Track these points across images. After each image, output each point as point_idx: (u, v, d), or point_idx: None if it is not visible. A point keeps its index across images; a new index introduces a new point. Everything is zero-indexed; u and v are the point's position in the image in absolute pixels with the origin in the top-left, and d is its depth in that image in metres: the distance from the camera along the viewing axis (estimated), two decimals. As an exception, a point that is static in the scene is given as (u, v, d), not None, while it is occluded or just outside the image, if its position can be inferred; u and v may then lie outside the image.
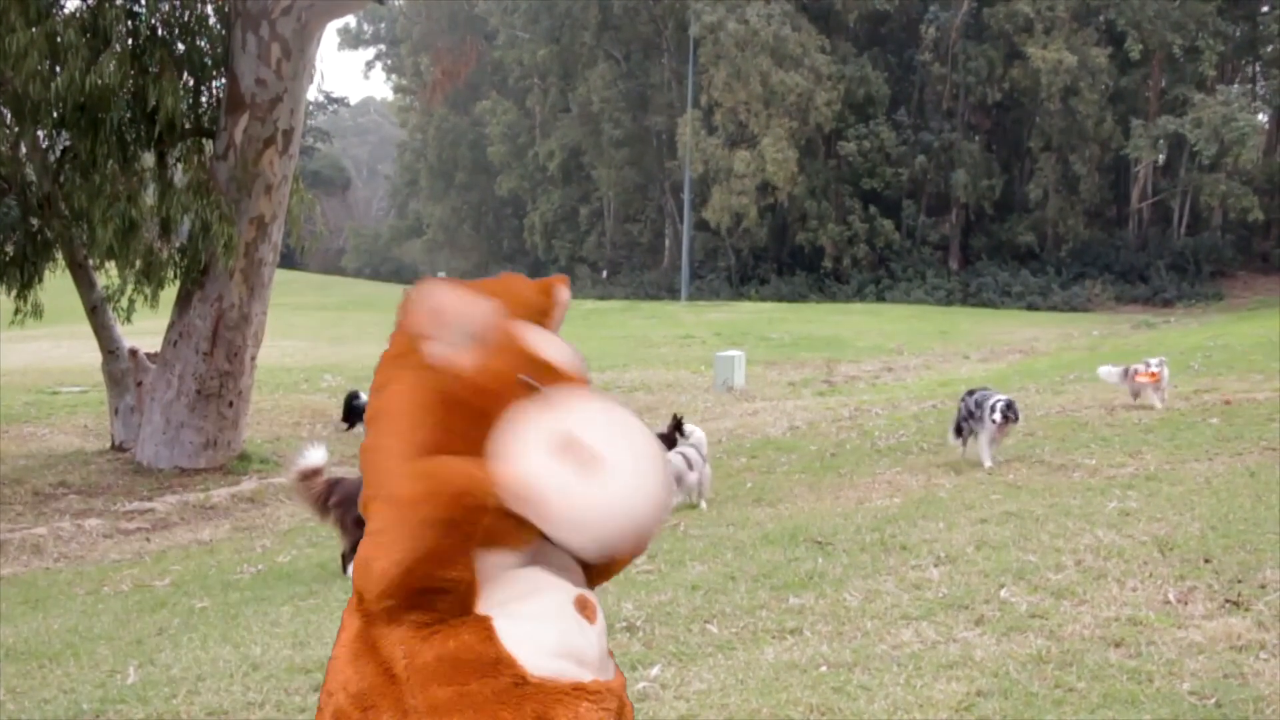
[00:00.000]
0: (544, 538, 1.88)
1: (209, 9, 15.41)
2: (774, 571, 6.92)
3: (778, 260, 56.58)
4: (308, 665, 5.74)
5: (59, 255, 15.37)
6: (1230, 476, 9.14)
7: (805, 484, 11.27)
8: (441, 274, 56.55)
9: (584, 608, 1.93)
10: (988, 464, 10.91)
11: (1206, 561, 6.33)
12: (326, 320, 39.09)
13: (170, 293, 15.35)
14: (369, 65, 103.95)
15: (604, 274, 61.85)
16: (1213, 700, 4.39)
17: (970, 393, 11.77)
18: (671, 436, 10.86)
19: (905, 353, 28.13)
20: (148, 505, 12.71)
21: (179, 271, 14.89)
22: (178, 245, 15.15)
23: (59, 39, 13.57)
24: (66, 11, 14.55)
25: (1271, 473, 9.11)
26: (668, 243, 60.85)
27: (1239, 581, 5.89)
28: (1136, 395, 14.07)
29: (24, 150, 15.07)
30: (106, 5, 14.02)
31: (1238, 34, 52.69)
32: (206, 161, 14.97)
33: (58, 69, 13.53)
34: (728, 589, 6.68)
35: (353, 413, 16.98)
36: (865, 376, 23.59)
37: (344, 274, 72.71)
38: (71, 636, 7.29)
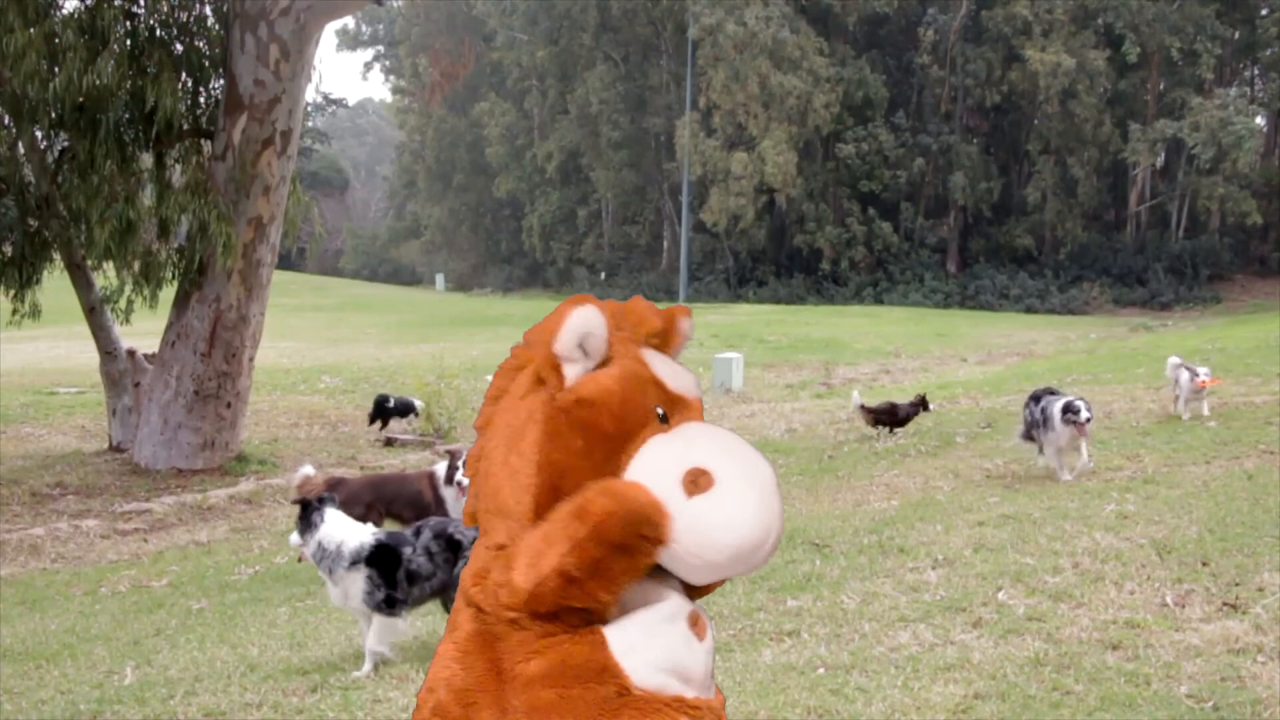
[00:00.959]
0: None
1: (207, 10, 15.41)
2: (772, 574, 6.92)
3: (776, 262, 56.58)
4: (305, 666, 5.74)
5: (57, 256, 15.36)
6: (1228, 480, 9.15)
7: (803, 486, 11.28)
8: (439, 275, 55.96)
9: (695, 624, 1.94)
10: (1064, 476, 9.85)
11: (1204, 564, 6.34)
12: (324, 321, 39.07)
13: (168, 293, 15.34)
14: (367, 66, 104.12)
15: (602, 276, 61.83)
16: (1210, 703, 4.39)
17: (1035, 398, 10.53)
18: None
19: (903, 355, 28.14)
20: (145, 506, 12.70)
21: (177, 272, 14.88)
22: (176, 246, 15.15)
23: (57, 39, 13.57)
24: (65, 12, 14.55)
25: (1269, 476, 9.12)
26: (666, 245, 60.85)
27: (1237, 585, 5.90)
28: (1186, 401, 12.95)
29: (22, 150, 15.07)
30: (105, 6, 14.01)
31: (1236, 37, 52.77)
32: (204, 162, 14.96)
33: (56, 69, 13.51)
34: (725, 591, 6.67)
35: (382, 414, 17.09)
36: (863, 379, 23.58)
37: (342, 275, 72.65)
38: (69, 637, 7.29)
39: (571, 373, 1.93)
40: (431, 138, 72.14)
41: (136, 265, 14.83)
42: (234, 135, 14.53)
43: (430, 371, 17.74)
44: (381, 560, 5.67)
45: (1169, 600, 5.73)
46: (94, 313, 15.54)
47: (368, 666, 5.61)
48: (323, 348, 30.61)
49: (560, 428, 1.90)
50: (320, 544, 5.67)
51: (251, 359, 15.26)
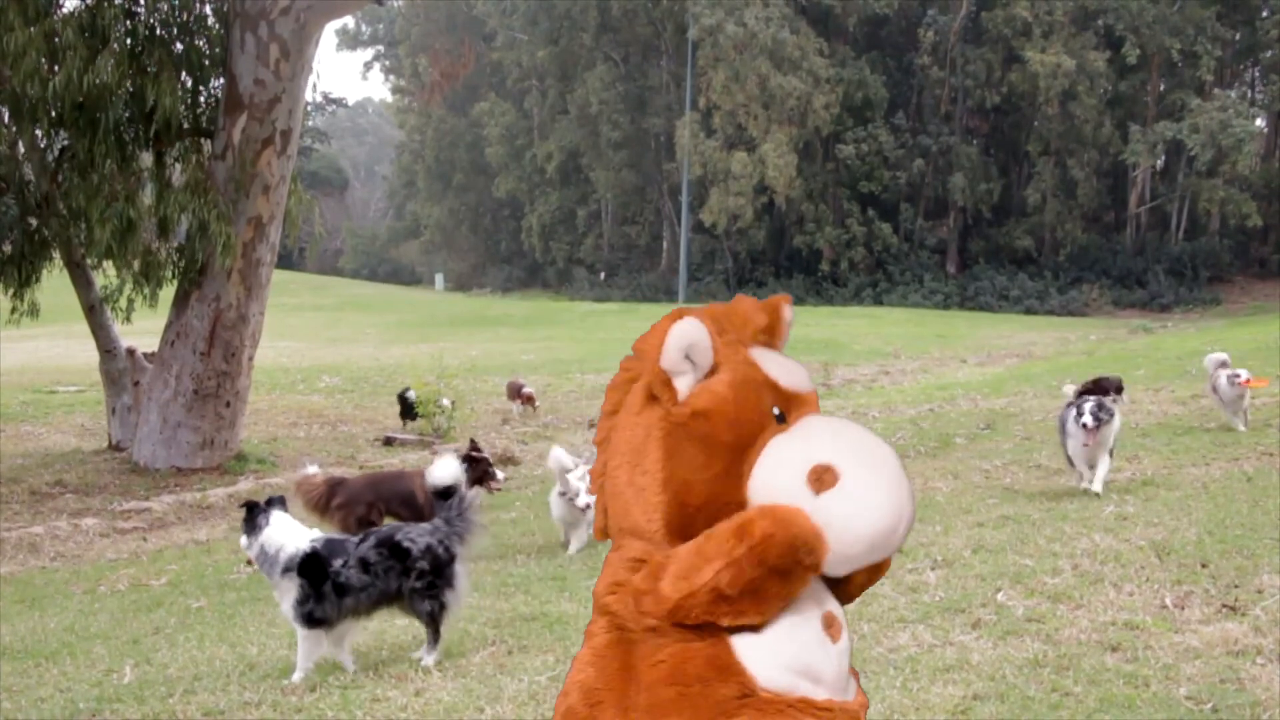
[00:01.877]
0: None
1: (207, 9, 15.40)
2: (771, 574, 6.91)
3: (775, 263, 56.60)
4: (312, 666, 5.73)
5: (57, 254, 15.36)
6: (1227, 481, 9.15)
7: (802, 487, 11.25)
8: (439, 275, 55.98)
9: (829, 625, 1.94)
10: (1081, 484, 9.06)
11: (1203, 566, 6.34)
12: (323, 321, 39.08)
13: (168, 292, 15.34)
14: (367, 66, 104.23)
15: (601, 276, 61.85)
16: (1209, 705, 4.39)
17: (1069, 405, 9.50)
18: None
19: (902, 356, 28.14)
20: (144, 505, 12.70)
21: (177, 271, 14.88)
22: (175, 245, 15.15)
23: (57, 38, 13.56)
24: (65, 11, 14.53)
25: (1269, 478, 9.12)
26: (665, 245, 60.86)
27: (1236, 586, 5.90)
28: (1231, 407, 11.82)
29: (22, 149, 15.07)
30: (105, 5, 14.01)
31: (1236, 39, 52.80)
32: (204, 161, 14.96)
33: (56, 68, 13.51)
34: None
35: (407, 408, 17.26)
36: (862, 380, 23.58)
37: (341, 275, 72.69)
38: (68, 635, 7.29)
39: (683, 385, 1.92)
40: (431, 137, 72.16)
41: (136, 264, 14.83)
42: (234, 134, 14.53)
43: (430, 371, 17.73)
44: (312, 570, 5.56)
45: (1168, 602, 5.73)
46: (94, 311, 15.54)
47: (297, 675, 5.56)
48: (322, 347, 30.63)
49: (679, 443, 1.90)
50: (263, 547, 5.64)
51: (251, 358, 15.26)
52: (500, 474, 9.63)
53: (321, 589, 5.55)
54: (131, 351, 15.60)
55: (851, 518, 1.83)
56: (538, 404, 18.99)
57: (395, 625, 6.42)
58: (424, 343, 29.58)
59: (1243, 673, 4.71)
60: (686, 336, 1.93)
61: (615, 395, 2.06)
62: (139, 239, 14.38)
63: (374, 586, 5.61)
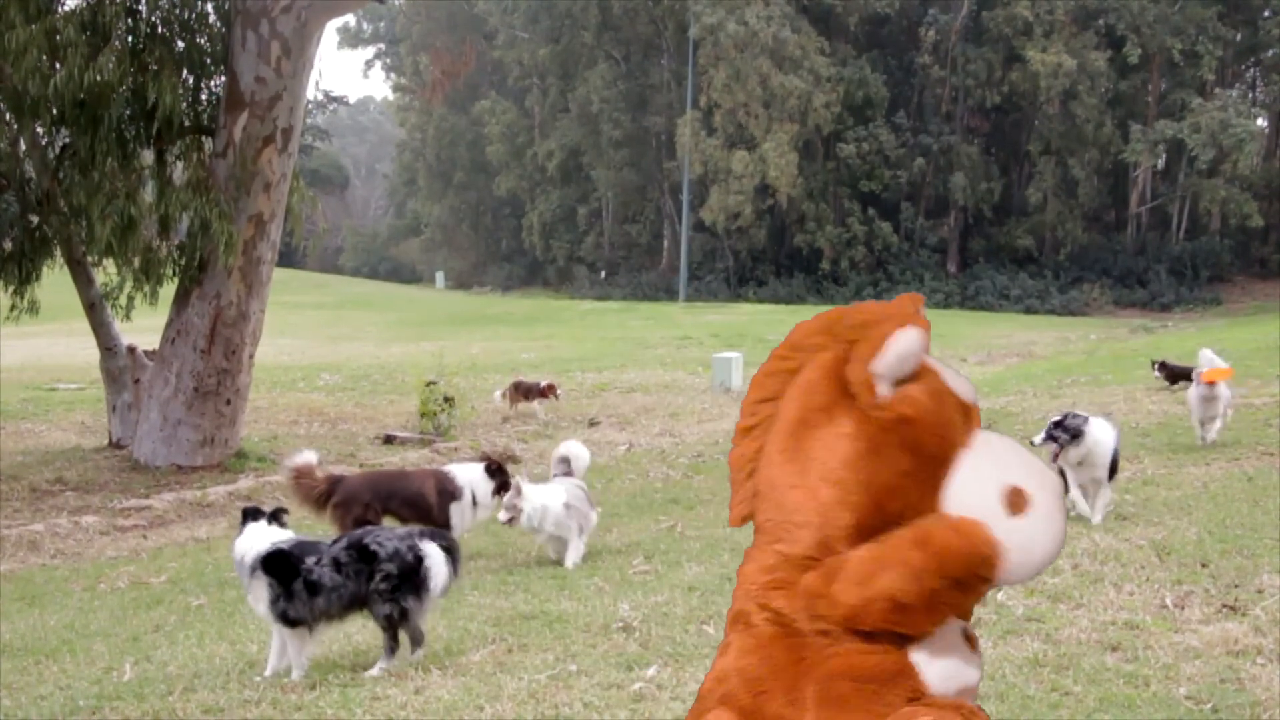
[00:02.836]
0: None
1: (209, 7, 15.40)
2: (771, 573, 6.91)
3: (776, 262, 56.58)
4: (307, 665, 5.74)
5: (57, 252, 15.36)
6: (1227, 481, 9.15)
7: (802, 486, 11.25)
8: (439, 273, 55.90)
9: (969, 639, 1.95)
10: (1090, 517, 7.95)
11: (1204, 566, 6.34)
12: (324, 319, 39.08)
13: (169, 290, 15.34)
14: (368, 64, 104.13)
15: (602, 274, 61.84)
16: (1209, 705, 4.39)
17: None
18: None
19: (903, 355, 28.06)
20: (145, 502, 12.71)
21: (177, 269, 14.87)
22: (176, 243, 15.14)
23: (58, 35, 13.55)
24: (66, 8, 14.53)
25: (1269, 478, 9.12)
26: (666, 244, 60.84)
27: (1236, 586, 5.90)
28: (1194, 406, 10.96)
29: (23, 147, 15.08)
30: (106, 2, 14.01)
31: (1238, 39, 52.79)
32: (205, 159, 14.96)
33: (57, 65, 13.51)
34: (724, 590, 6.67)
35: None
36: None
37: (342, 273, 72.69)
38: (68, 633, 7.29)
39: (882, 389, 1.92)
40: (432, 136, 72.12)
41: (137, 262, 14.83)
42: (235, 132, 14.53)
43: (430, 370, 17.73)
44: (278, 569, 5.57)
45: (1168, 602, 5.73)
46: (94, 309, 15.54)
47: (297, 674, 5.58)
48: (322, 345, 30.63)
49: (884, 446, 1.89)
50: (238, 556, 5.70)
51: (251, 356, 15.26)
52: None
53: (292, 587, 5.54)
54: (132, 349, 15.60)
55: (1035, 542, 1.85)
56: (559, 393, 18.70)
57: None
58: (424, 341, 29.58)
59: (1243, 672, 4.71)
60: (910, 346, 1.93)
61: (771, 383, 2.04)
62: (139, 236, 14.38)
63: (345, 588, 5.59)
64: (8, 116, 14.39)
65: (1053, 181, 52.05)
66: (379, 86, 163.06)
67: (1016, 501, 1.84)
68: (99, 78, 13.30)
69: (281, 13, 14.43)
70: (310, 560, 5.59)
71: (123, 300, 15.53)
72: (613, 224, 63.89)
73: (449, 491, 8.32)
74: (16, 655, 6.76)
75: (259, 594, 5.60)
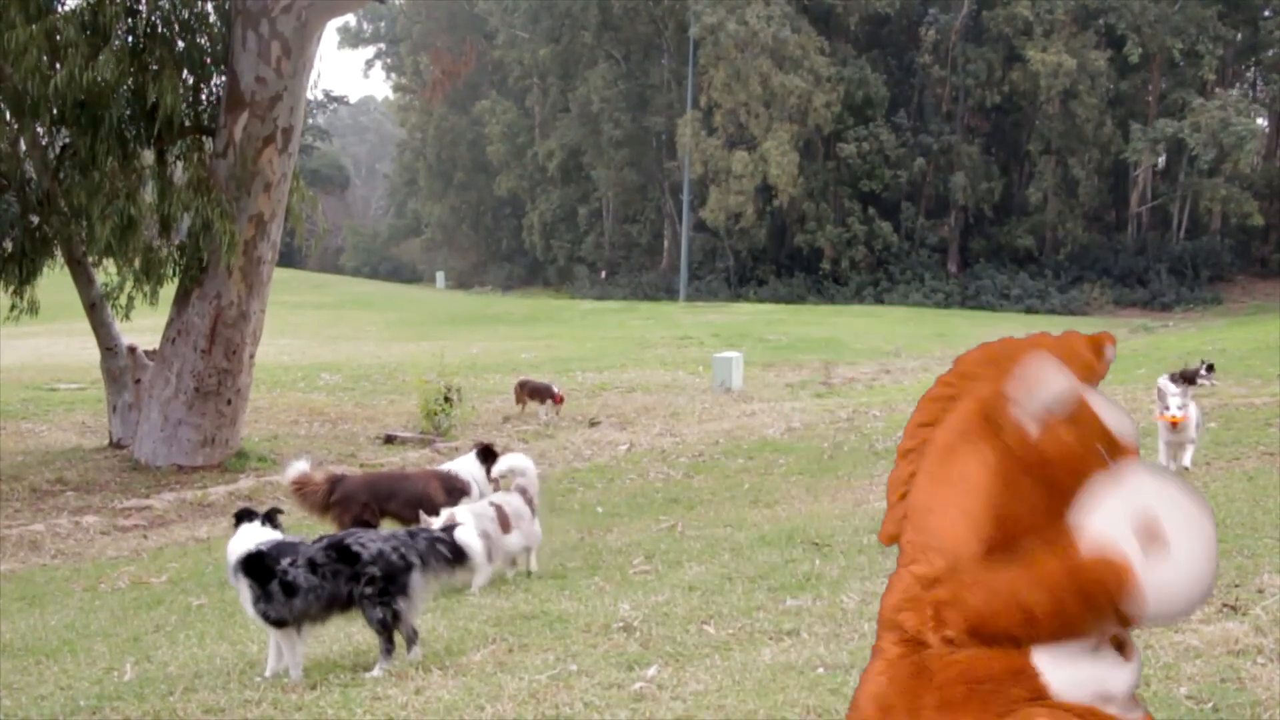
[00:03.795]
0: None
1: (209, 7, 15.41)
2: (771, 573, 6.92)
3: (776, 262, 56.57)
4: (304, 664, 5.74)
5: (58, 252, 15.37)
6: (1228, 481, 9.14)
7: (803, 486, 11.28)
8: (440, 273, 55.89)
9: (1123, 645, 1.95)
10: None
11: (1204, 566, 6.32)
12: (324, 319, 39.08)
13: (169, 290, 15.35)
14: (369, 64, 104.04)
15: (602, 274, 61.84)
16: (1210, 705, 4.39)
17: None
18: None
19: (903, 355, 28.14)
20: (145, 502, 12.71)
21: (178, 269, 14.89)
22: (177, 243, 15.16)
23: (59, 36, 13.57)
24: (66, 8, 14.55)
25: (1269, 477, 9.11)
26: (666, 243, 60.84)
27: (1236, 586, 5.89)
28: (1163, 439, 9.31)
29: (23, 147, 15.08)
30: (106, 2, 14.01)
31: (1238, 38, 52.79)
32: (206, 159, 14.98)
33: (57, 65, 13.52)
34: (725, 590, 6.67)
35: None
36: (863, 378, 23.59)
37: (342, 273, 72.67)
38: (68, 633, 7.29)
39: (1015, 414, 1.94)
40: (432, 135, 72.13)
41: (137, 262, 14.84)
42: (235, 132, 14.53)
43: (430, 369, 17.73)
44: (255, 571, 5.58)
45: (1168, 601, 5.72)
46: (95, 309, 15.55)
47: (295, 673, 5.58)
48: (323, 345, 30.63)
49: (1021, 481, 1.91)
50: (228, 553, 5.75)
51: (252, 356, 15.27)
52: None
53: (269, 588, 5.55)
54: (132, 349, 15.61)
55: (1171, 587, 1.85)
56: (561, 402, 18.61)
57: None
58: (425, 341, 29.58)
59: (1243, 672, 4.70)
60: (1054, 390, 1.96)
61: (932, 408, 2.08)
62: (140, 236, 14.40)
63: (323, 588, 5.58)
64: (8, 117, 14.39)
65: (1053, 181, 52.06)
66: (379, 86, 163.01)
67: (1153, 541, 1.84)
68: (99, 78, 13.32)
69: (282, 12, 14.43)
70: (285, 561, 5.59)
71: (123, 300, 15.55)
72: (613, 224, 63.89)
73: (458, 490, 8.33)
74: (17, 655, 6.77)
75: (244, 595, 5.62)
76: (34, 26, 13.09)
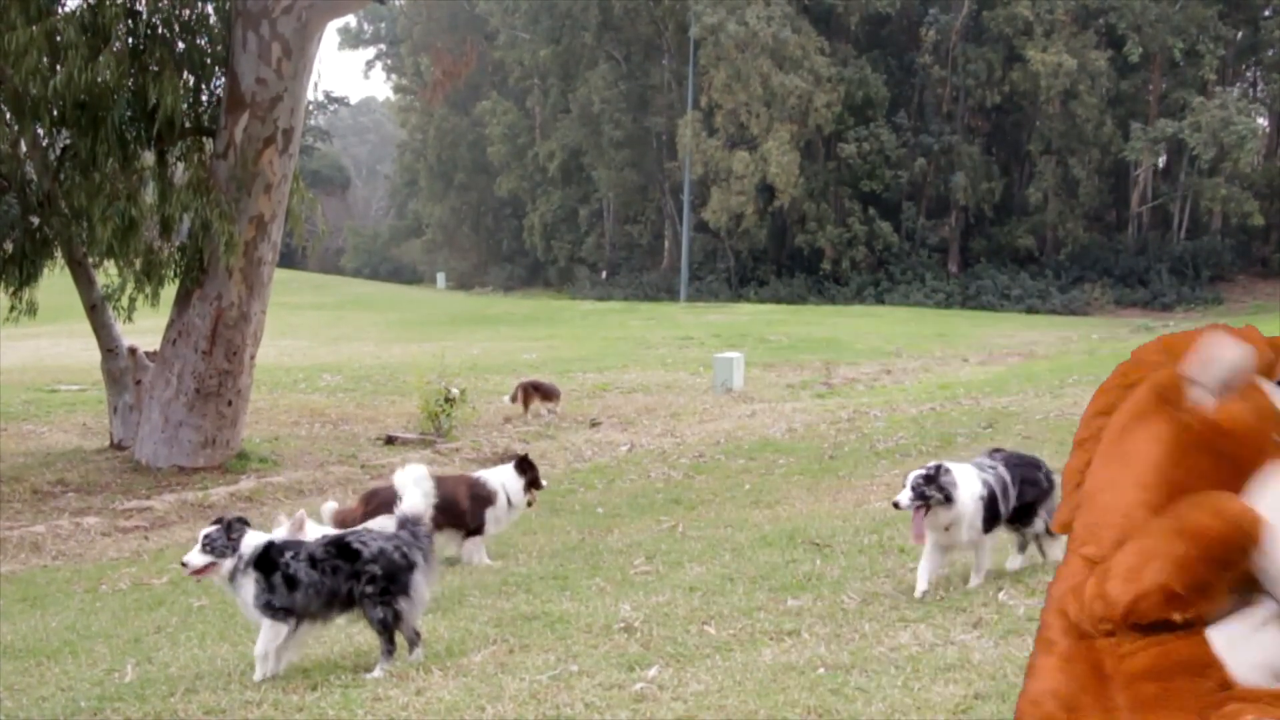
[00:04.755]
0: None
1: (209, 8, 15.41)
2: (772, 573, 6.92)
3: (777, 262, 56.58)
4: (305, 664, 5.75)
5: (58, 253, 15.37)
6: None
7: (803, 486, 11.28)
8: (440, 274, 55.97)
9: None
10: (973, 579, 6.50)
11: (1204, 565, 6.33)
12: (325, 320, 39.09)
13: (170, 291, 15.35)
14: (369, 65, 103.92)
15: (603, 275, 61.86)
16: (1210, 704, 4.39)
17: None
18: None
19: (904, 355, 28.13)
20: (146, 504, 12.71)
21: (178, 270, 14.88)
22: (177, 244, 15.15)
23: (59, 37, 13.56)
24: (66, 9, 14.54)
25: (1270, 477, 9.10)
26: (667, 244, 60.84)
27: (1237, 585, 5.89)
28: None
29: (24, 148, 15.08)
30: (106, 3, 14.00)
31: (1239, 38, 52.78)
32: (206, 160, 14.97)
33: (57, 67, 13.51)
34: (725, 590, 6.68)
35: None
36: (864, 379, 23.59)
37: (343, 274, 72.65)
38: (69, 634, 7.30)
39: (1192, 395, 1.95)
40: (433, 136, 72.13)
41: (138, 263, 14.84)
42: (236, 133, 14.53)
43: (431, 370, 17.73)
44: (263, 563, 5.60)
45: (1169, 601, 5.73)
46: (95, 310, 15.55)
47: (259, 672, 5.58)
48: (324, 346, 30.64)
49: (1191, 451, 1.95)
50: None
51: (253, 357, 15.27)
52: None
53: (272, 579, 5.56)
54: (133, 350, 15.61)
55: None
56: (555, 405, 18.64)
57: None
58: (426, 341, 29.57)
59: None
60: (1237, 363, 1.97)
61: (1107, 397, 2.11)
62: (140, 238, 14.40)
63: (322, 584, 5.58)
64: (8, 118, 14.39)
65: (1053, 181, 52.05)
66: (380, 87, 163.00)
67: None
68: (99, 79, 13.32)
69: (282, 13, 14.43)
70: (289, 555, 5.61)
71: (124, 301, 15.54)
72: (614, 224, 63.90)
73: (482, 497, 8.35)
74: (18, 656, 6.77)
75: (247, 592, 5.60)
76: (34, 28, 13.09)
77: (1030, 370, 22.61)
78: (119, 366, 15.53)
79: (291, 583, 5.56)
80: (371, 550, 5.61)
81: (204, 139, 15.28)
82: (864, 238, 53.27)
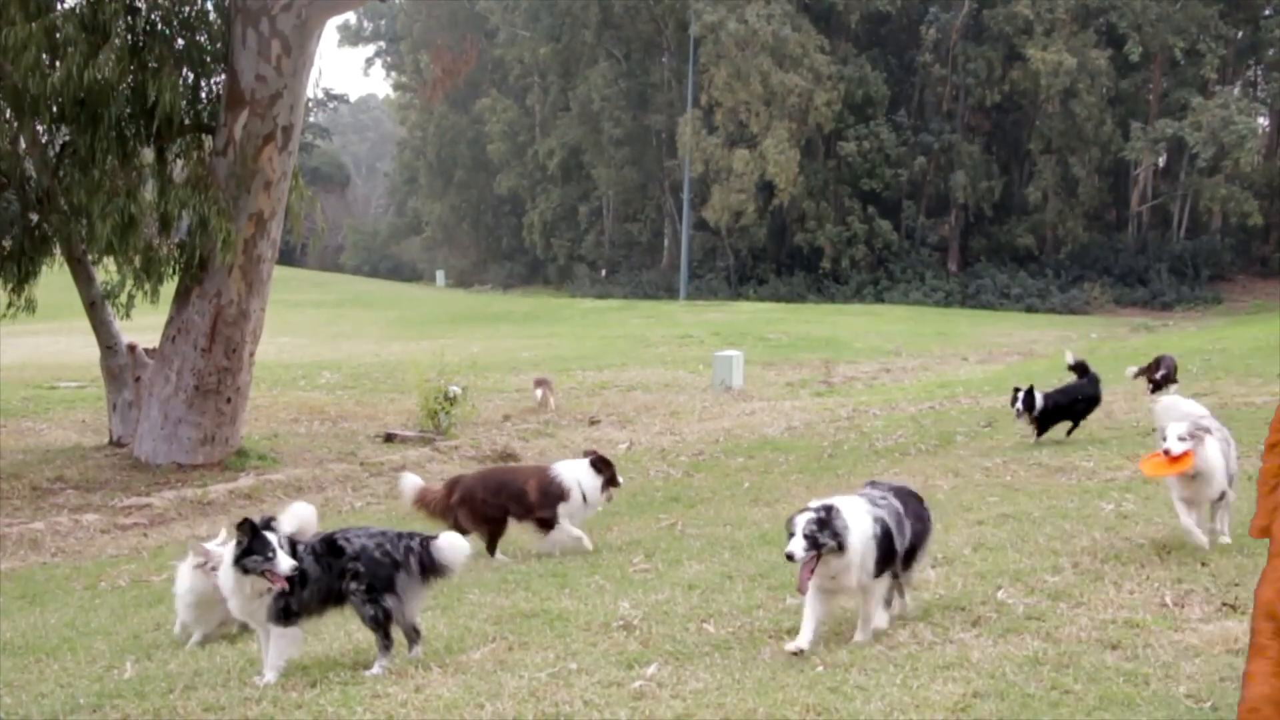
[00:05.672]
0: None
1: (209, 5, 15.40)
2: (771, 571, 6.92)
3: (776, 260, 56.59)
4: (304, 661, 5.74)
5: (57, 250, 15.36)
6: (1227, 480, 9.12)
7: (803, 484, 11.27)
8: (440, 272, 56.04)
9: None
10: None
11: (1203, 565, 6.34)
12: (324, 317, 39.09)
13: (169, 289, 15.34)
14: (369, 62, 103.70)
15: (603, 273, 61.87)
16: (1209, 703, 4.39)
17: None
18: None
19: (903, 354, 28.14)
20: (145, 501, 12.71)
21: (178, 267, 14.88)
22: (177, 241, 15.15)
23: (58, 33, 13.55)
24: (66, 6, 14.53)
25: (1269, 476, 9.09)
26: (667, 242, 60.85)
27: (1236, 585, 5.90)
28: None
29: (23, 145, 15.06)
30: (106, 0, 13.99)
31: (1239, 37, 52.77)
32: (206, 157, 14.97)
33: (57, 63, 13.51)
34: (725, 588, 6.68)
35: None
36: (863, 377, 23.59)
37: (342, 271, 72.69)
38: (69, 631, 7.29)
39: None
40: (433, 134, 72.13)
41: (137, 260, 14.83)
42: (235, 130, 14.52)
43: (431, 368, 17.72)
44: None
45: (1168, 600, 5.74)
46: (95, 307, 15.55)
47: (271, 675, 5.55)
48: (323, 343, 30.64)
49: None
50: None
51: (252, 354, 15.26)
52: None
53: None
54: (132, 347, 15.61)
55: None
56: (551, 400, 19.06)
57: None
58: (425, 339, 29.57)
59: (1242, 671, 4.71)
60: None
61: None
62: (140, 235, 14.38)
63: (321, 580, 5.58)
64: (8, 114, 14.38)
65: (1053, 180, 52.05)
66: (379, 84, 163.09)
67: None
68: (99, 75, 13.30)
69: (282, 10, 14.42)
70: (301, 549, 5.59)
71: (123, 298, 15.55)
72: (613, 222, 63.90)
73: (553, 493, 8.36)
74: (18, 653, 6.77)
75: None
76: (34, 24, 13.08)
77: (1029, 369, 22.59)
78: (118, 364, 15.53)
79: (303, 580, 5.54)
80: (354, 548, 5.59)
81: (203, 136, 15.27)
82: (864, 236, 53.27)
